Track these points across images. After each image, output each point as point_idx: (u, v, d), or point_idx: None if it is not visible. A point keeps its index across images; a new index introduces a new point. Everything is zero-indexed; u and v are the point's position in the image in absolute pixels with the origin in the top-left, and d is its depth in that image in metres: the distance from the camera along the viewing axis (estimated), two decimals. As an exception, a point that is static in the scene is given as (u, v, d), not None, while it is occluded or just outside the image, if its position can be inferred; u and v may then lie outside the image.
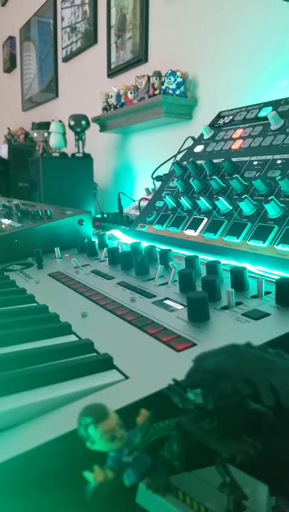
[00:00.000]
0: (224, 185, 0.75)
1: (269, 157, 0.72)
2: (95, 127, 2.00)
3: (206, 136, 0.93)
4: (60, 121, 1.98)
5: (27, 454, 0.25)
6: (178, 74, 1.48)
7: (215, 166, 0.81)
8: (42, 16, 3.01)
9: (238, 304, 0.46)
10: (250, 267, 0.56)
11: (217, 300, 0.47)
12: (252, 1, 1.27)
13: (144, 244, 0.71)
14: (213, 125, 0.95)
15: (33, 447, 0.26)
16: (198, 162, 0.85)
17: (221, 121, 0.94)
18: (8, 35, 3.74)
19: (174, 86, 1.48)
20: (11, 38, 3.71)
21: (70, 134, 2.01)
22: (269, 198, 0.61)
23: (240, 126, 0.87)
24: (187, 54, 1.56)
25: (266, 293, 0.48)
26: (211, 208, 0.73)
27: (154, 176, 1.31)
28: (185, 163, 0.89)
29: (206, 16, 1.46)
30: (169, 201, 0.82)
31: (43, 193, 1.88)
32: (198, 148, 0.93)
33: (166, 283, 0.56)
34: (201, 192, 0.79)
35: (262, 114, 0.84)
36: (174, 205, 0.82)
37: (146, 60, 1.82)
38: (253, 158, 0.75)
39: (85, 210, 0.92)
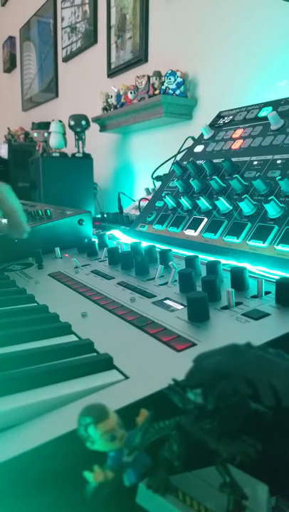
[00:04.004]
0: (224, 185, 0.75)
1: (269, 157, 0.72)
2: (95, 127, 2.00)
3: (206, 136, 0.93)
4: (60, 121, 1.98)
5: (27, 454, 0.25)
6: (178, 74, 1.48)
7: (215, 166, 0.81)
8: (42, 16, 3.00)
9: (238, 303, 0.46)
10: (250, 267, 0.56)
11: (217, 300, 0.47)
12: (252, 1, 1.27)
13: (144, 244, 0.71)
14: (213, 125, 0.95)
15: (33, 447, 0.26)
16: (198, 162, 0.85)
17: (221, 121, 0.94)
18: (8, 35, 3.74)
19: (174, 86, 1.48)
20: (11, 38, 3.71)
21: (70, 134, 2.01)
22: (269, 198, 0.61)
23: (240, 126, 0.87)
24: (187, 54, 1.56)
25: (266, 293, 0.48)
26: (211, 208, 0.73)
27: (154, 176, 1.31)
28: (185, 163, 0.89)
29: (206, 16, 1.46)
30: (169, 201, 0.82)
31: (43, 193, 1.88)
32: (198, 148, 0.93)
33: (166, 283, 0.56)
34: (201, 192, 0.79)
35: (262, 114, 0.84)
36: (174, 205, 0.82)
37: (146, 60, 1.82)
38: (253, 158, 0.75)
39: (85, 210, 0.92)
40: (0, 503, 0.24)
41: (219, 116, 0.97)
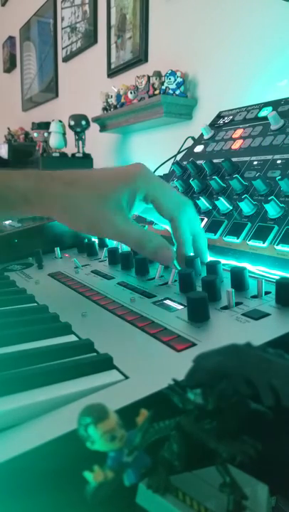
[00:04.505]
0: (224, 185, 0.75)
1: (269, 157, 0.72)
2: (95, 127, 2.00)
3: (206, 136, 0.93)
4: (60, 121, 1.98)
5: (27, 454, 0.25)
6: (178, 74, 1.48)
7: (215, 166, 0.81)
8: (42, 16, 3.01)
9: (238, 303, 0.46)
10: (250, 267, 0.56)
11: (217, 300, 0.47)
12: (252, 1, 1.27)
13: (144, 244, 0.71)
14: (213, 125, 0.95)
15: (32, 447, 0.26)
16: (198, 162, 0.85)
17: (221, 121, 0.94)
18: (8, 35, 3.74)
19: (174, 86, 1.48)
20: (11, 38, 3.71)
21: (70, 134, 2.01)
22: (269, 198, 0.61)
23: (240, 126, 0.87)
24: (187, 54, 1.56)
25: (266, 293, 0.47)
26: (211, 208, 0.73)
27: (154, 176, 1.31)
28: (185, 163, 0.89)
29: (206, 16, 1.46)
30: (169, 201, 0.82)
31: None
32: (198, 148, 0.93)
33: (166, 283, 0.56)
34: (201, 192, 0.79)
35: (262, 114, 0.84)
36: (174, 205, 0.82)
37: (146, 60, 1.83)
38: (253, 158, 0.75)
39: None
40: (0, 503, 0.24)
41: (219, 116, 0.97)
